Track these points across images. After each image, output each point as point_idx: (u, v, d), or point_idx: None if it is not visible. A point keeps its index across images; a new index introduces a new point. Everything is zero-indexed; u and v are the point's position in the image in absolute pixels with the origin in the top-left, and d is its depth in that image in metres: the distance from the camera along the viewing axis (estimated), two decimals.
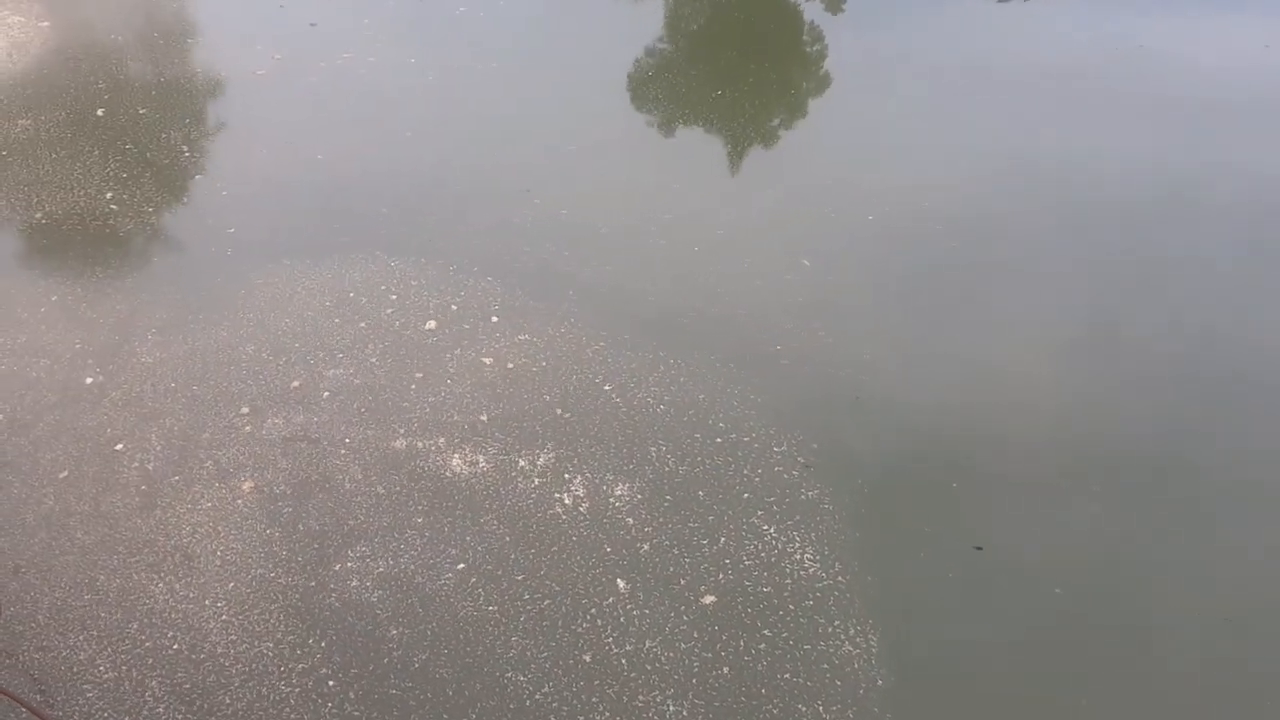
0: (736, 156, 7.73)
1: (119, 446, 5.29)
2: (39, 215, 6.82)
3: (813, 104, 8.48)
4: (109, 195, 7.00)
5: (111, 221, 6.83)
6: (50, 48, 8.73)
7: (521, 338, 5.98)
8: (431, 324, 6.05)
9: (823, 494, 5.03)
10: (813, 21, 9.83)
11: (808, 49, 9.39)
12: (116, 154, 7.38)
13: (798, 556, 4.73)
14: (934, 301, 6.28)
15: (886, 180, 7.34)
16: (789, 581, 4.64)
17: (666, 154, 7.87)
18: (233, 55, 8.71)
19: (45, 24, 9.15)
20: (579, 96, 8.45)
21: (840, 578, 4.65)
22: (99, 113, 7.77)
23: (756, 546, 4.79)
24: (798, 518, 4.91)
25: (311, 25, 9.20)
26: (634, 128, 8.12)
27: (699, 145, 7.95)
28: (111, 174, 7.19)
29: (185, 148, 7.53)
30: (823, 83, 8.81)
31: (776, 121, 8.27)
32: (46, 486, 5.10)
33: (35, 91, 8.06)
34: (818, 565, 4.70)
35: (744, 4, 10.33)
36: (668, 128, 8.09)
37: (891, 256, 6.64)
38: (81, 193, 7.01)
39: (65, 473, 5.17)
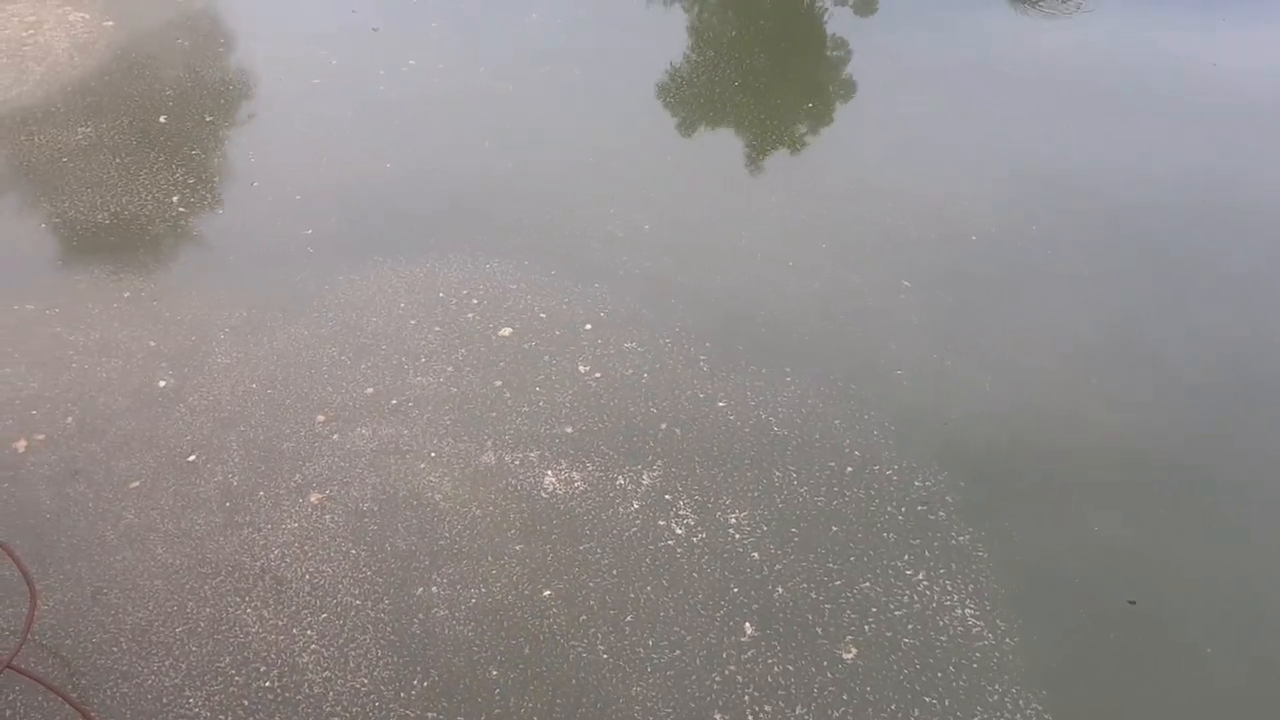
0: (827, 179, 7.19)
1: (194, 457, 4.84)
2: (103, 216, 6.41)
3: (901, 124, 7.87)
4: (175, 199, 6.57)
5: (181, 223, 6.41)
6: (115, 51, 8.28)
7: (628, 345, 5.48)
8: (515, 330, 5.57)
9: (975, 539, 4.50)
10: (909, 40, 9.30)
11: (894, 67, 8.85)
12: (182, 160, 6.95)
13: (958, 611, 4.20)
14: (1056, 326, 5.75)
15: (983, 197, 6.78)
16: (944, 638, 4.11)
17: (764, 170, 7.32)
18: (298, 60, 8.24)
19: (110, 23, 8.70)
20: (660, 105, 7.91)
21: (1006, 639, 4.12)
22: (161, 119, 7.32)
23: (909, 597, 4.27)
24: (952, 565, 4.38)
25: (374, 30, 8.70)
26: (723, 141, 7.60)
27: (790, 164, 7.41)
28: (178, 179, 6.76)
29: (252, 154, 7.10)
30: (905, 102, 8.25)
31: (869, 142, 7.70)
32: (124, 500, 4.64)
33: (97, 99, 7.62)
34: (979, 622, 4.17)
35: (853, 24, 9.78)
36: (765, 145, 7.53)
37: (1000, 276, 6.10)
38: (148, 196, 6.59)
39: (137, 483, 4.71)
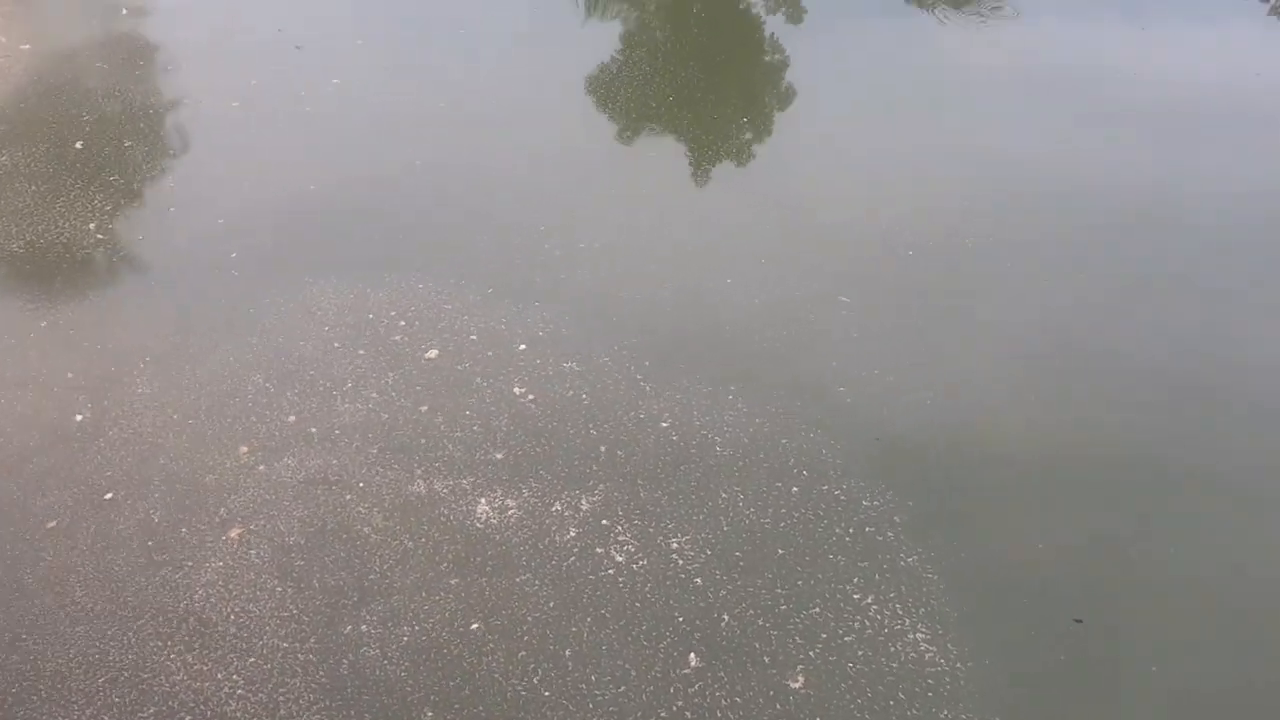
0: (762, 194, 7.05)
1: (114, 494, 4.63)
2: (17, 245, 6.13)
3: (834, 136, 7.71)
4: (92, 226, 6.29)
5: (100, 250, 6.16)
6: (31, 75, 7.93)
7: (566, 365, 5.32)
8: (446, 351, 5.39)
9: (924, 559, 4.38)
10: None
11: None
12: (100, 186, 6.65)
13: (909, 636, 4.08)
14: (995, 336, 5.65)
15: (918, 209, 6.64)
16: (895, 665, 3.99)
17: (700, 185, 7.16)
18: (219, 81, 7.90)
19: (26, 47, 8.37)
20: (595, 120, 7.72)
21: (959, 664, 4.00)
22: (78, 145, 7.02)
23: (858, 622, 4.13)
24: (902, 588, 4.25)
25: (297, 49, 8.44)
26: (659, 157, 7.41)
27: (725, 179, 7.25)
28: (96, 206, 6.46)
29: (172, 179, 6.80)
30: (837, 113, 8.16)
31: (803, 156, 7.58)
32: (42, 541, 4.43)
33: (11, 126, 7.29)
34: (931, 646, 4.04)
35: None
36: (700, 160, 7.38)
37: (937, 289, 5.98)
38: (65, 224, 6.30)
39: (54, 523, 4.49)
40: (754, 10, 9.57)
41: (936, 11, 9.50)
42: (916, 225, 6.44)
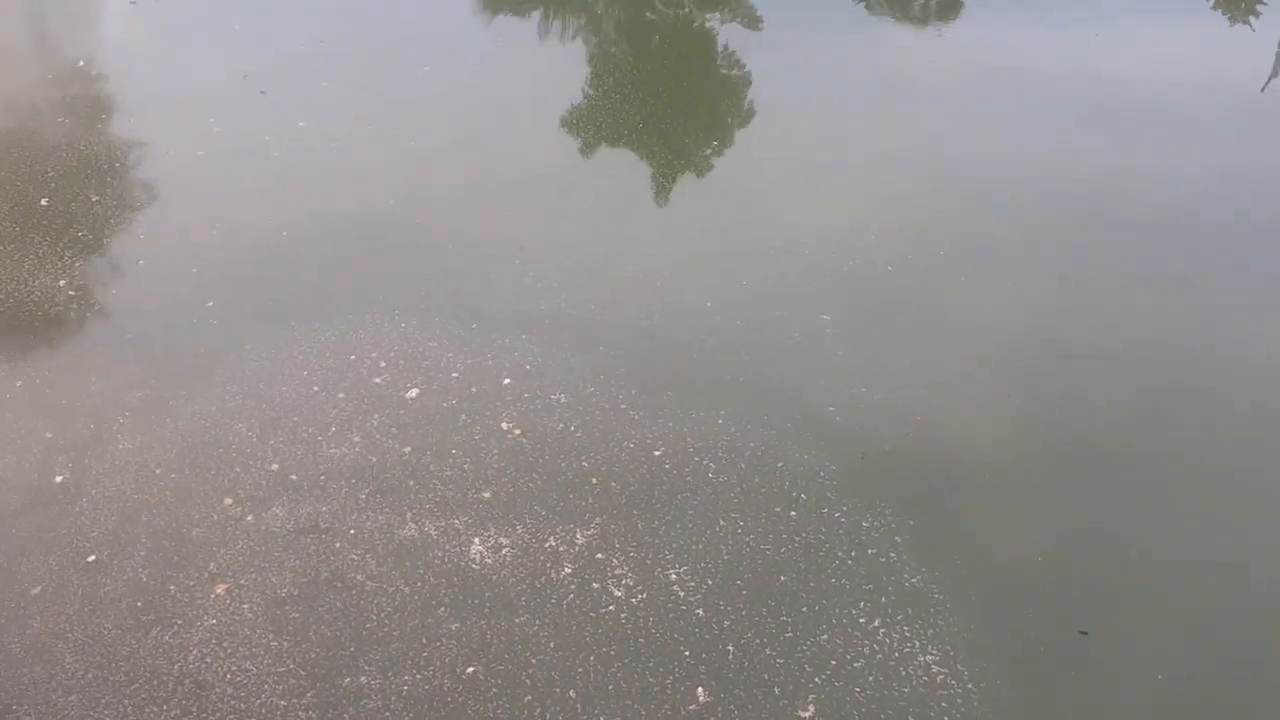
0: (736, 214, 6.98)
1: (98, 555, 4.52)
2: None
3: (802, 151, 7.65)
4: (63, 283, 6.16)
5: (73, 307, 6.03)
6: None
7: (553, 398, 5.25)
8: (430, 390, 5.32)
9: (928, 580, 4.32)
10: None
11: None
12: (69, 243, 6.50)
13: (919, 659, 4.01)
14: (978, 349, 5.63)
15: (890, 225, 6.60)
16: (907, 689, 3.92)
17: (673, 210, 7.11)
18: (184, 130, 7.75)
19: None
20: (563, 150, 7.66)
21: (970, 684, 3.94)
22: (43, 202, 6.86)
23: (867, 647, 4.07)
24: (909, 610, 4.19)
25: (262, 94, 8.33)
26: (630, 183, 7.32)
27: (698, 202, 7.23)
28: (66, 263, 6.32)
29: (143, 232, 6.67)
30: (804, 128, 8.14)
31: (774, 173, 7.53)
32: (28, 608, 4.32)
33: None
34: (943, 669, 3.98)
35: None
36: (671, 185, 7.33)
37: (915, 303, 5.95)
38: (35, 282, 6.15)
39: (39, 588, 4.38)
40: (719, 29, 9.55)
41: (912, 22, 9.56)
42: (893, 240, 6.40)
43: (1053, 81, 8.31)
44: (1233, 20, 9.71)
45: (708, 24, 9.63)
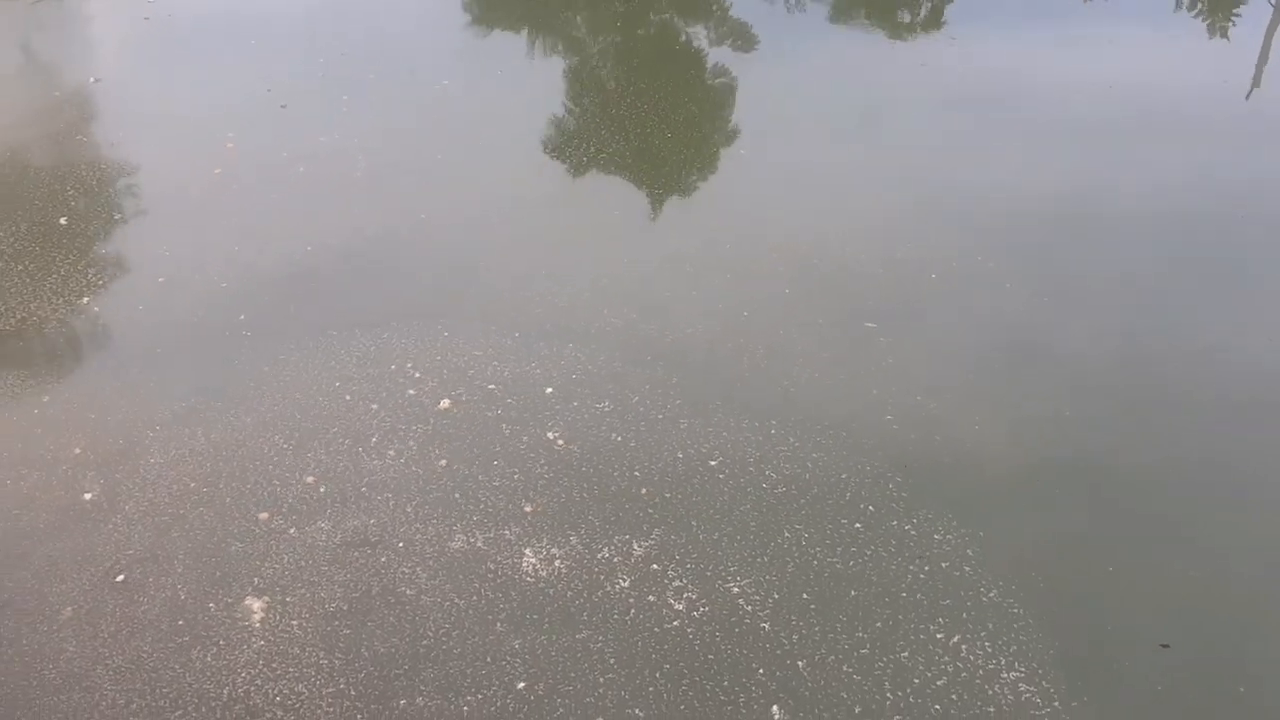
0: (769, 223, 6.85)
1: (128, 575, 4.33)
2: (9, 324, 5.79)
3: (835, 160, 7.54)
4: (86, 300, 5.98)
5: (98, 323, 5.85)
6: (2, 149, 7.56)
7: (598, 406, 5.08)
8: (470, 399, 5.14)
9: (1005, 594, 4.14)
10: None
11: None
12: (91, 261, 6.32)
13: (1004, 676, 3.83)
14: (1032, 357, 5.49)
15: (933, 232, 6.48)
16: (992, 710, 3.74)
17: (710, 219, 6.95)
18: (205, 145, 7.56)
19: None
20: (592, 163, 7.46)
21: (1056, 702, 3.76)
22: (62, 221, 6.67)
23: (950, 664, 3.89)
24: (990, 625, 4.01)
25: (282, 108, 8.17)
26: (664, 194, 7.21)
27: (734, 211, 7.05)
28: (90, 281, 6.14)
29: (167, 248, 6.44)
30: (838, 138, 7.99)
31: (803, 183, 7.39)
32: (62, 632, 4.11)
33: None
34: (1029, 687, 3.80)
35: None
36: (703, 194, 7.19)
37: (967, 311, 5.82)
38: (59, 300, 5.97)
39: (71, 609, 4.18)
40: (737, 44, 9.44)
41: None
42: (937, 249, 6.25)
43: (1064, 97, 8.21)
44: (1211, 31, 9.63)
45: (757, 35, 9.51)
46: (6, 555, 4.42)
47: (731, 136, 7.77)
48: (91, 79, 8.70)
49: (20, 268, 6.21)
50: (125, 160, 7.43)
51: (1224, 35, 9.53)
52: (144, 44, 9.45)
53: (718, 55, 9.10)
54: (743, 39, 9.41)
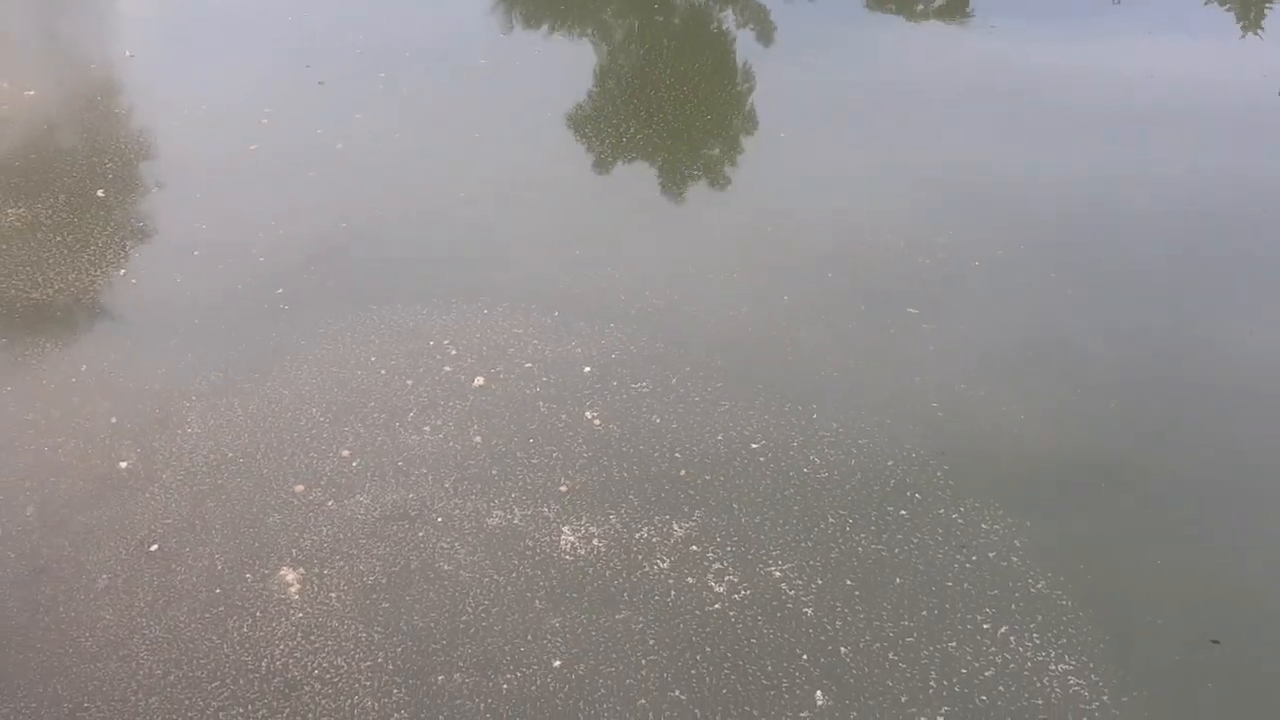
0: (805, 212, 6.77)
1: (164, 545, 4.28)
2: (46, 294, 5.75)
3: (872, 151, 7.44)
4: (123, 271, 5.96)
5: (136, 294, 5.82)
6: (40, 123, 7.53)
7: (636, 386, 5.02)
8: (508, 376, 5.09)
9: (1053, 585, 4.07)
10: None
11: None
12: (129, 233, 6.29)
13: (1053, 668, 3.76)
14: (1077, 348, 5.40)
15: (986, 222, 6.40)
16: (1040, 702, 3.67)
17: (748, 206, 6.94)
18: (243, 120, 7.51)
19: (32, 93, 7.97)
20: (634, 145, 7.39)
21: (1105, 695, 3.69)
22: (100, 193, 6.64)
23: (998, 655, 3.82)
24: (1039, 617, 3.94)
25: (320, 84, 8.12)
26: (707, 180, 7.19)
27: (772, 200, 6.99)
28: (127, 252, 6.12)
29: (203, 223, 6.38)
30: (880, 127, 7.90)
31: (841, 172, 7.30)
32: (99, 600, 4.07)
33: (24, 178, 6.81)
34: (1079, 680, 3.73)
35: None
36: (742, 181, 7.12)
37: (1009, 301, 5.74)
38: (96, 271, 5.94)
39: (107, 577, 4.15)
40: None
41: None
42: (981, 237, 6.17)
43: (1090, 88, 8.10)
44: (1245, 28, 9.49)
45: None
46: (44, 522, 4.38)
47: (772, 120, 7.68)
48: (127, 53, 8.67)
49: (59, 239, 6.18)
50: (161, 134, 7.39)
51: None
52: (179, 19, 9.43)
53: (760, 40, 9.03)
54: (783, 26, 9.33)
